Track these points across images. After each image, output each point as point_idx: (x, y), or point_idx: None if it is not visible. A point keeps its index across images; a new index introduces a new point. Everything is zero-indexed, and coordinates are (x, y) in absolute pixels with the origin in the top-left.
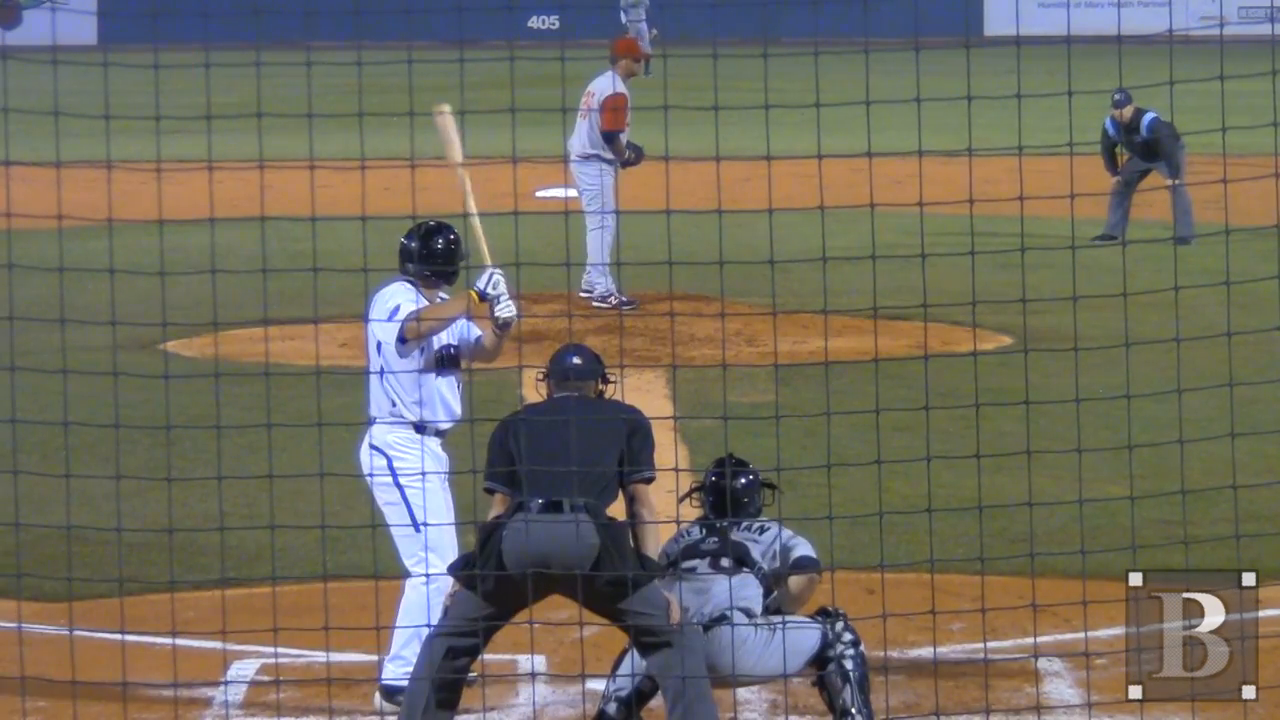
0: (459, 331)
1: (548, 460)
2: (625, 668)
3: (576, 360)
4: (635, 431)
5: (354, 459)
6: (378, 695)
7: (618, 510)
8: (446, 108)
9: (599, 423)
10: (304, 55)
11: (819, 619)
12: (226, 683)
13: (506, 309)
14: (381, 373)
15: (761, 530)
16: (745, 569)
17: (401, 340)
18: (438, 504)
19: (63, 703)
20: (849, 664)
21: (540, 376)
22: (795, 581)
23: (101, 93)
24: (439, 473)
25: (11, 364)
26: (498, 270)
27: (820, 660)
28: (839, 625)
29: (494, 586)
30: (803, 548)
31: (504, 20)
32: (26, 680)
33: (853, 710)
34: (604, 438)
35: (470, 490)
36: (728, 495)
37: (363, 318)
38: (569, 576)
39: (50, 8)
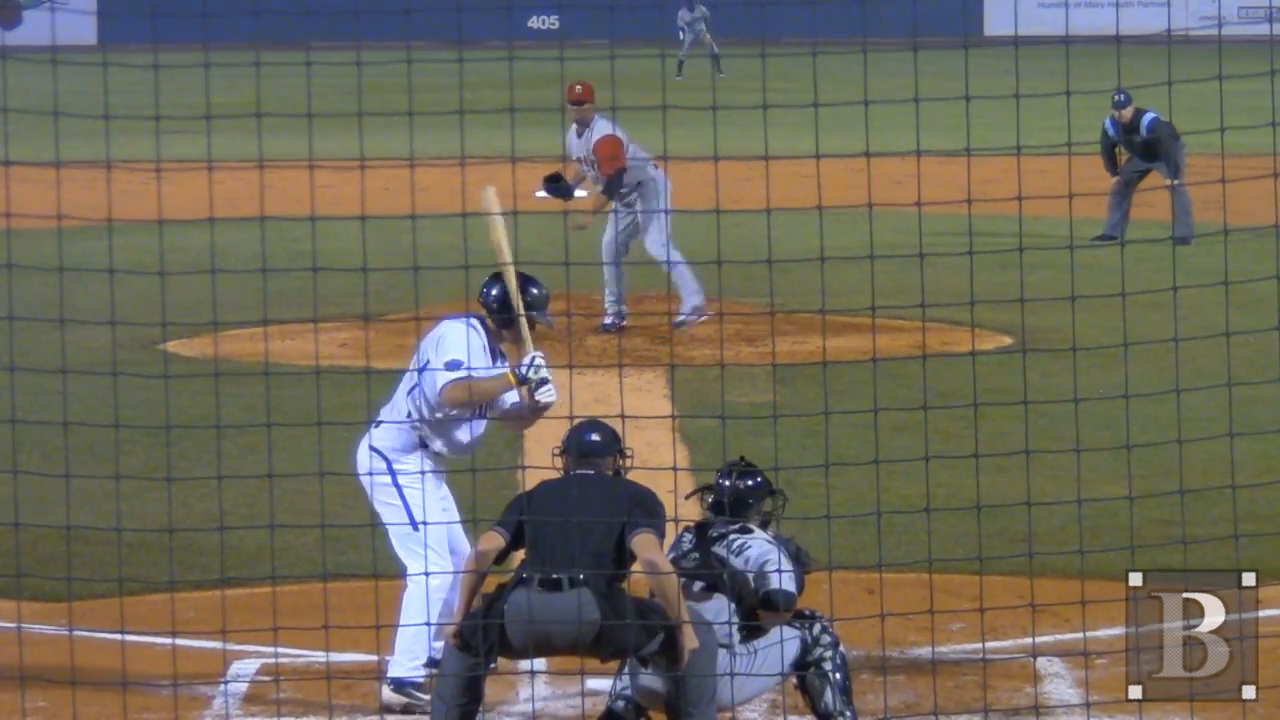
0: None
1: (553, 536)
2: (633, 664)
3: (594, 437)
4: (639, 504)
5: (350, 457)
6: (386, 689)
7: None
8: (492, 193)
9: (609, 499)
10: (303, 55)
11: (795, 624)
12: (226, 682)
13: (547, 394)
14: (412, 390)
15: (744, 549)
16: (718, 593)
17: (451, 383)
18: (434, 504)
19: (63, 702)
20: (828, 665)
21: (557, 451)
22: (764, 617)
23: (101, 93)
24: (437, 471)
25: (11, 364)
26: (539, 354)
27: (801, 664)
28: (816, 628)
29: (495, 652)
30: (774, 580)
31: (504, 20)
32: (26, 680)
33: (834, 713)
34: (609, 512)
35: (469, 490)
36: (726, 499)
37: (422, 335)
38: (570, 646)
39: (50, 7)
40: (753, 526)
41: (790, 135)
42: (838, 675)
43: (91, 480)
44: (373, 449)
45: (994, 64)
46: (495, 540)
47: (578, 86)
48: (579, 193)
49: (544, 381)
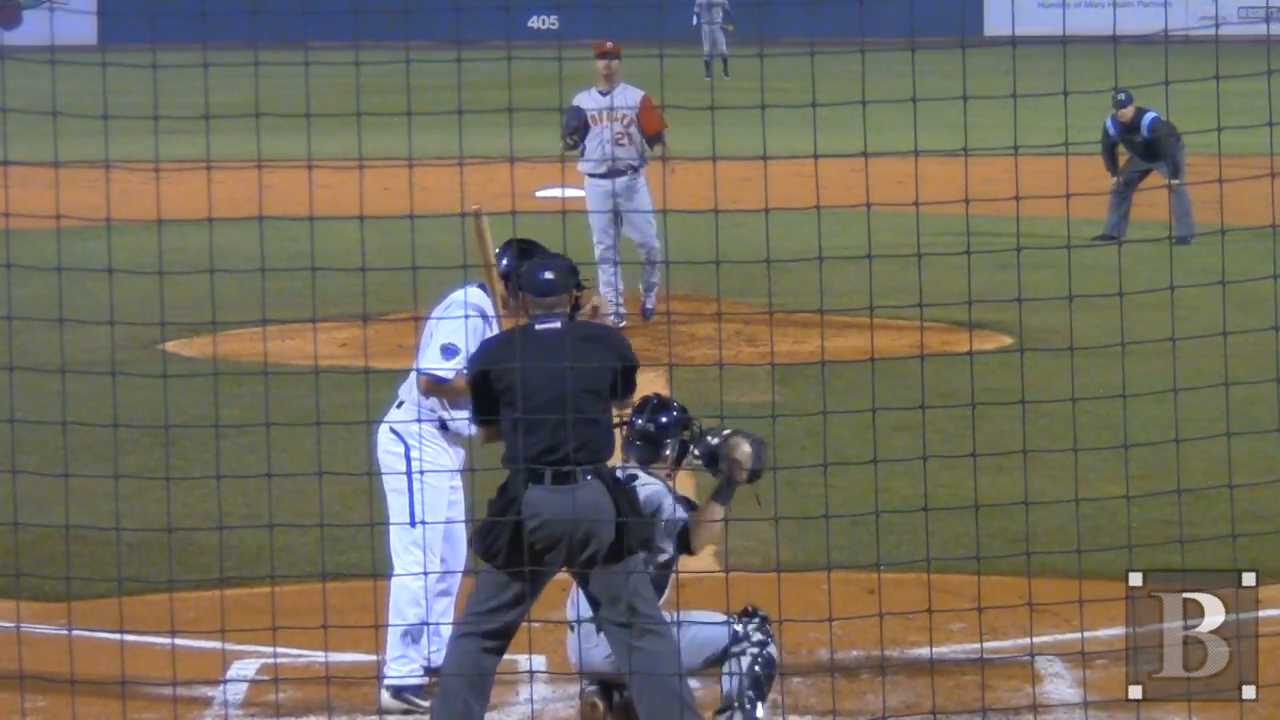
0: None
1: (543, 407)
2: (586, 637)
3: (550, 275)
4: (625, 366)
5: (371, 442)
6: (385, 694)
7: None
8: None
9: (588, 358)
10: (302, 55)
11: (735, 617)
12: (226, 682)
13: None
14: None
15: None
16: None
17: (428, 375)
18: (439, 504)
19: (62, 702)
20: (745, 660)
21: (512, 285)
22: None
23: (100, 93)
24: (449, 470)
25: (10, 364)
26: None
27: (723, 659)
28: (751, 625)
29: (512, 559)
30: (667, 511)
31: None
32: (26, 680)
33: (737, 704)
34: (598, 382)
35: (468, 490)
36: (636, 438)
37: (426, 316)
38: (585, 544)
39: (50, 8)
40: (638, 470)
41: (790, 135)
42: (756, 667)
43: (91, 480)
44: (394, 432)
45: (994, 64)
46: (493, 432)
47: (609, 42)
48: (618, 151)
49: None
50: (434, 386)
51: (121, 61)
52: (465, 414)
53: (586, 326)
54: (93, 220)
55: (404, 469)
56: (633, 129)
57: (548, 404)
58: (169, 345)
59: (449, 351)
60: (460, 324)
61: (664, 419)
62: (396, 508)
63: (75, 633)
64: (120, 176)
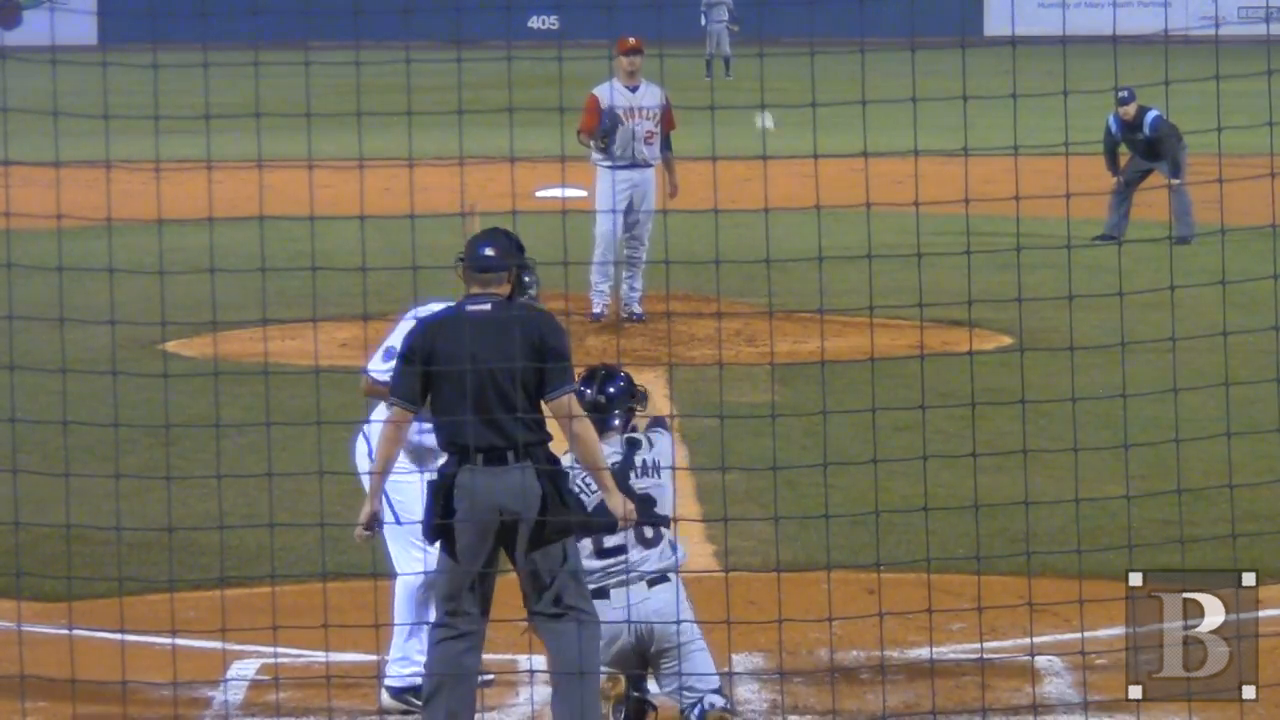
0: None
1: (467, 390)
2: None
3: (490, 251)
4: (547, 350)
5: (349, 454)
6: (385, 695)
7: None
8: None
9: (509, 342)
10: (303, 55)
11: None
12: (226, 682)
13: None
14: None
15: (653, 470)
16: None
17: (368, 375)
18: (417, 503)
19: (62, 702)
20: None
21: (459, 257)
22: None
23: (101, 93)
24: (420, 470)
25: (11, 363)
26: None
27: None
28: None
29: (461, 541)
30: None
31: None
32: (26, 680)
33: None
34: (520, 355)
35: None
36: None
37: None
38: (520, 523)
39: (50, 8)
40: (640, 435)
41: (790, 135)
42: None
43: (91, 480)
44: (364, 436)
45: (994, 64)
46: (405, 416)
47: (632, 38)
48: (645, 149)
49: None
50: (374, 388)
51: (122, 61)
52: (428, 428)
53: (520, 311)
54: (93, 220)
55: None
56: (659, 127)
57: (471, 389)
58: (169, 345)
59: (389, 354)
60: (404, 329)
61: (610, 389)
62: (385, 516)
63: (75, 633)
64: (120, 176)
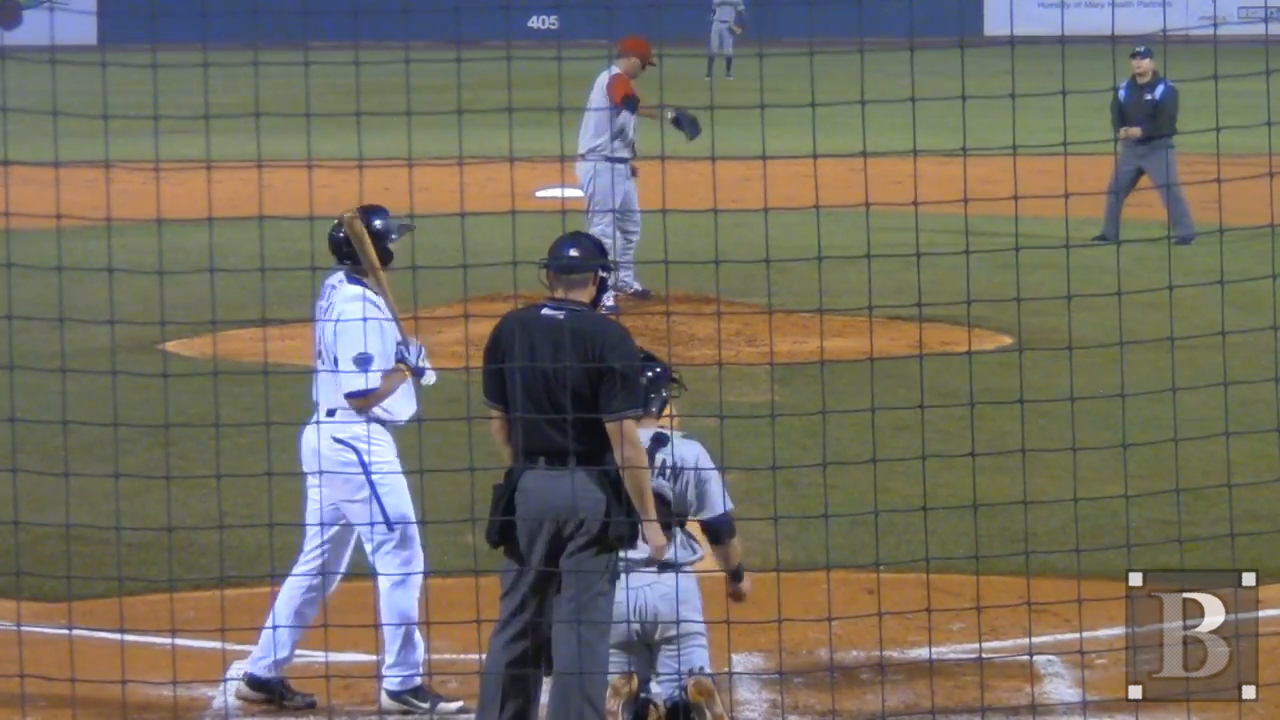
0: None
1: (535, 400)
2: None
3: (573, 252)
4: (618, 368)
5: (296, 454)
6: (384, 695)
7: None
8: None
9: (572, 354)
10: (302, 55)
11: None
12: (226, 681)
13: (429, 378)
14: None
15: (678, 473)
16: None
17: (358, 395)
18: (406, 499)
19: (62, 702)
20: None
21: (541, 263)
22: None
23: (100, 92)
24: (399, 472)
25: (10, 363)
26: (414, 342)
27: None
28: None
29: (517, 544)
30: (714, 500)
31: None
32: (26, 680)
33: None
34: (586, 375)
35: (467, 489)
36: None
37: (315, 313)
38: (575, 526)
39: (49, 8)
40: (667, 431)
41: (790, 135)
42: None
43: (91, 479)
44: (339, 441)
45: (994, 64)
46: (500, 415)
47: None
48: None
49: (427, 367)
50: (365, 401)
51: (121, 61)
52: (398, 404)
53: (592, 324)
54: (93, 220)
55: (362, 474)
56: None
57: (537, 396)
58: (169, 345)
59: (363, 362)
60: (358, 331)
61: (649, 373)
62: (364, 515)
63: (75, 633)
64: (120, 176)
